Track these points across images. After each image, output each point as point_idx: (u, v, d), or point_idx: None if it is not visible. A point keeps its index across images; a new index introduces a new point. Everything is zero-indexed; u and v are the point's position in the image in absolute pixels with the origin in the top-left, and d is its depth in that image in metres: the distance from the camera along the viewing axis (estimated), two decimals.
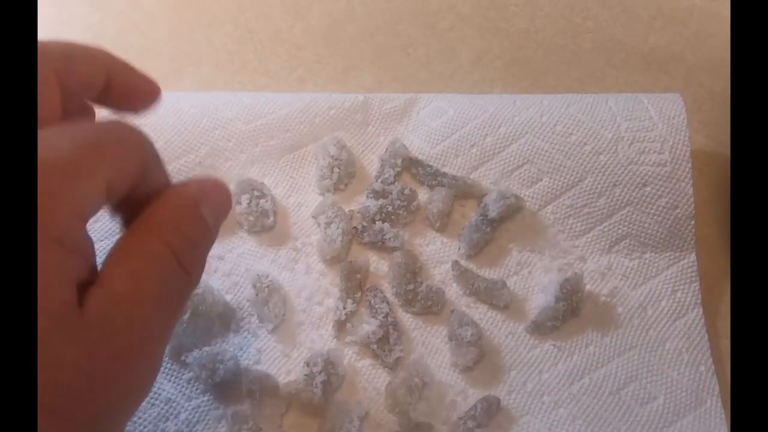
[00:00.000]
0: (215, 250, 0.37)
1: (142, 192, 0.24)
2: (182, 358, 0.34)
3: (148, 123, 0.39)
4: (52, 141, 0.21)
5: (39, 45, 0.24)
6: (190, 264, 0.24)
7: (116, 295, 0.22)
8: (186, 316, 0.34)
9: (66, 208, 0.21)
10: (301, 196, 0.39)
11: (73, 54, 0.25)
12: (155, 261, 0.23)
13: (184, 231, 0.24)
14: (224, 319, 0.36)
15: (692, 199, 0.38)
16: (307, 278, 0.37)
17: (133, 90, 0.27)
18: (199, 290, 0.34)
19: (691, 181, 0.38)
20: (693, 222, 0.38)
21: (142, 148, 0.24)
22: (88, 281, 0.21)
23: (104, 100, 0.27)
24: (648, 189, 0.38)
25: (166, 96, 0.41)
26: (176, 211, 0.24)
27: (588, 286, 0.37)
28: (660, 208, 0.38)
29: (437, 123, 0.40)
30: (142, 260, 0.23)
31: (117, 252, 0.23)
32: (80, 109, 0.27)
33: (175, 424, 0.33)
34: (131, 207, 0.24)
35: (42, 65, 0.23)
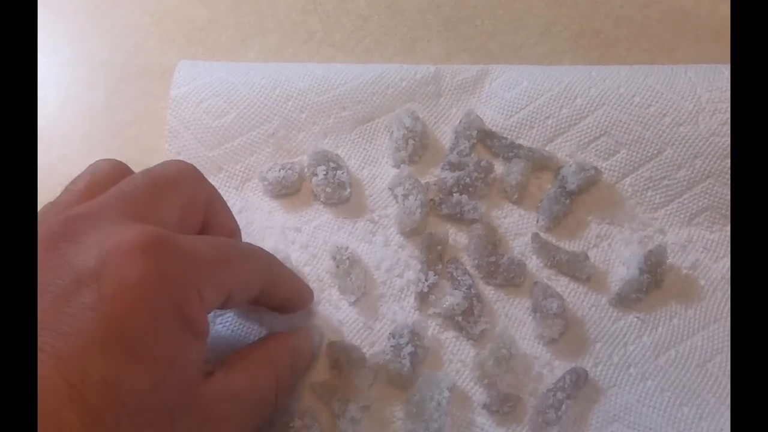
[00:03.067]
0: (291, 222, 0.37)
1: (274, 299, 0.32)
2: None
3: (221, 93, 0.39)
4: (201, 245, 0.27)
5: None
6: (282, 395, 0.30)
7: (235, 391, 0.27)
8: None
9: (200, 305, 0.26)
10: (375, 168, 0.39)
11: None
12: (264, 385, 0.29)
13: (287, 378, 0.31)
14: None
15: None
16: (385, 250, 0.37)
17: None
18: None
19: None
20: None
21: (264, 270, 0.30)
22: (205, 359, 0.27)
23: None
24: (730, 161, 0.37)
25: (236, 66, 0.41)
26: (289, 355, 0.31)
27: (669, 259, 0.36)
28: None
29: (511, 94, 0.40)
30: (258, 377, 0.29)
31: (241, 358, 0.30)
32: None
33: None
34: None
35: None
